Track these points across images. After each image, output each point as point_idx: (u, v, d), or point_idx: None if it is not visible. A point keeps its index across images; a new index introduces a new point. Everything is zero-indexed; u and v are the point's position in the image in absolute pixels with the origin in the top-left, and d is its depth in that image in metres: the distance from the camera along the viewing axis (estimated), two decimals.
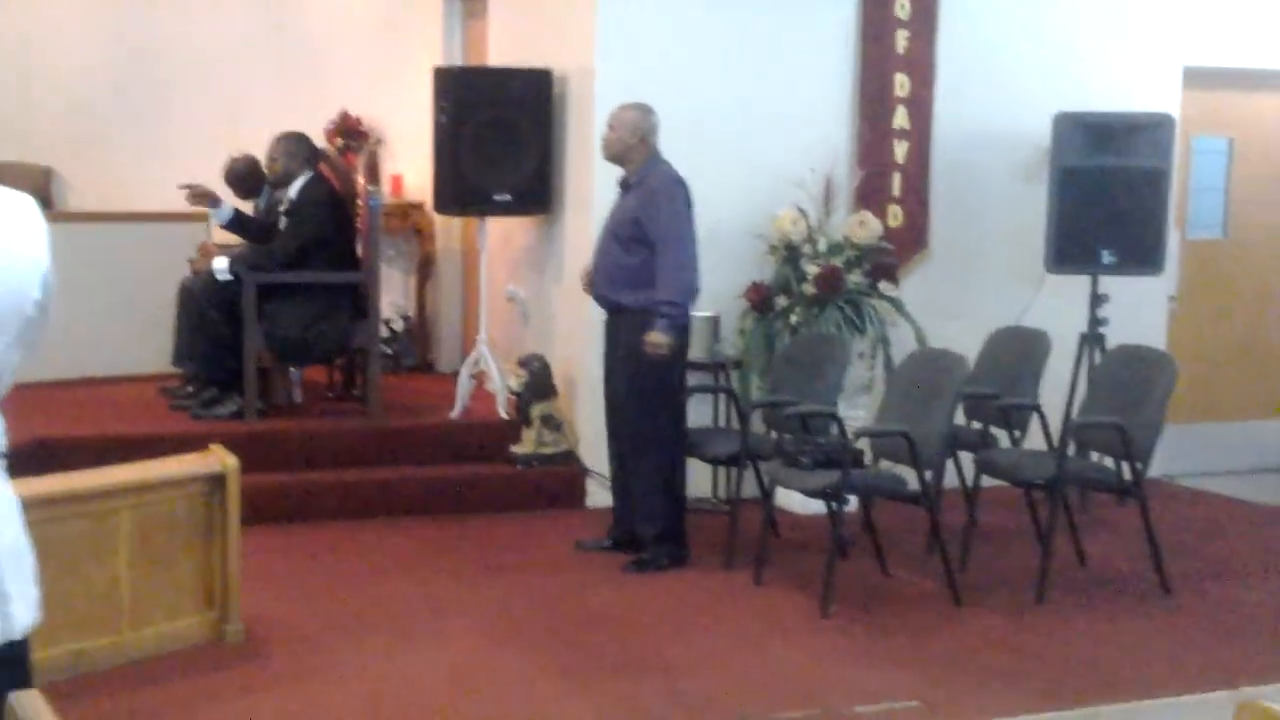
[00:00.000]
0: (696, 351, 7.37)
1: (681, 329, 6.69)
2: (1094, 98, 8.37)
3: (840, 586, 6.27)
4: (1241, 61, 8.99)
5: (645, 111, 6.76)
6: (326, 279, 7.98)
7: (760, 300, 7.82)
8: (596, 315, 7.07)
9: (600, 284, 6.82)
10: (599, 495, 7.64)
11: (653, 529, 6.77)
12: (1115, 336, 7.77)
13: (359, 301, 8.05)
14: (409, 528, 7.40)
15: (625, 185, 6.80)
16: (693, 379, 7.25)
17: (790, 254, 7.89)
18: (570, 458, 7.94)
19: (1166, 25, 8.75)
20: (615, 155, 6.80)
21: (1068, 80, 8.48)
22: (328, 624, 5.91)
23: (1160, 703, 5.20)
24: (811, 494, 6.44)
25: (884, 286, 7.96)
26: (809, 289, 7.76)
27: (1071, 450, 6.83)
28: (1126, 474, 6.62)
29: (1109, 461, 7.01)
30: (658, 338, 6.53)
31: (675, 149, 6.86)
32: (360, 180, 8.53)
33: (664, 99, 7.03)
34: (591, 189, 7.62)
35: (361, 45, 10.12)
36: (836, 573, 6.24)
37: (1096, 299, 8.10)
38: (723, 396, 7.78)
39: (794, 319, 7.80)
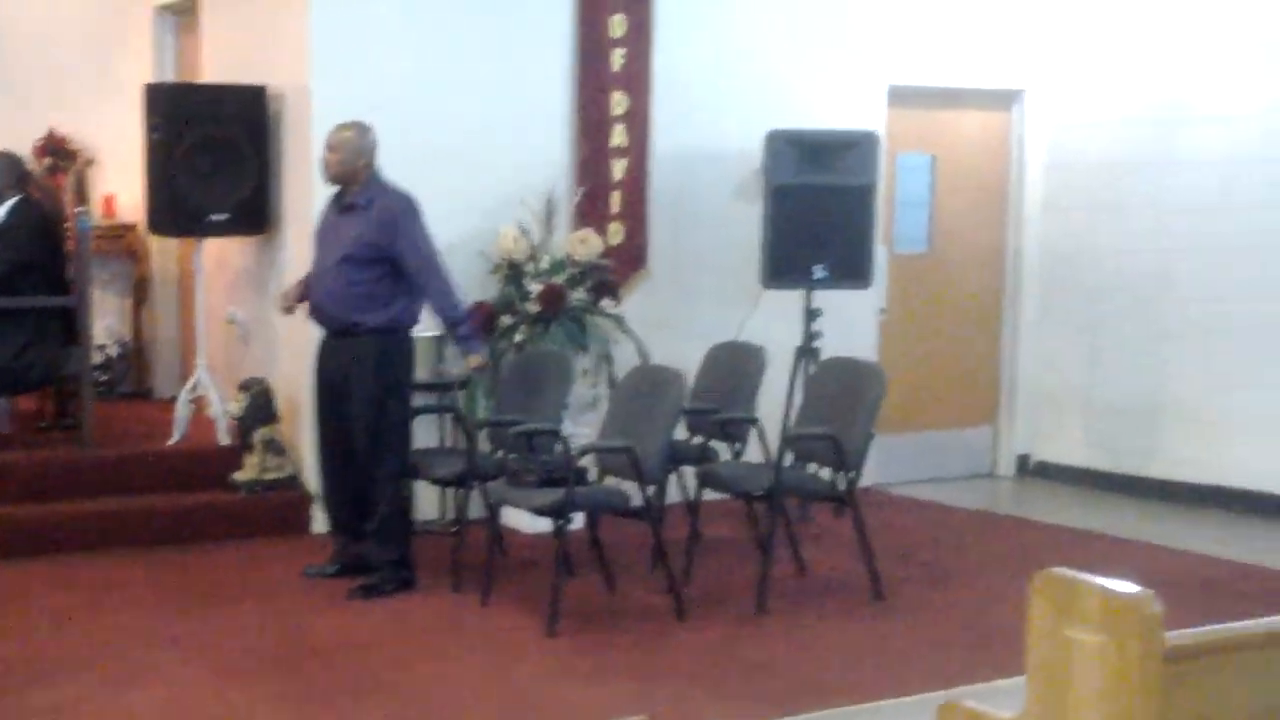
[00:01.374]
0: (421, 372, 7.35)
1: (408, 350, 6.72)
2: (804, 116, 8.61)
3: (567, 604, 6.32)
4: (943, 81, 9.36)
5: (363, 131, 6.72)
6: (35, 304, 7.72)
7: (485, 319, 7.84)
8: (318, 338, 6.99)
9: (328, 306, 6.74)
10: (324, 520, 7.55)
11: (390, 553, 6.73)
12: (829, 349, 8.01)
13: (70, 327, 7.81)
14: (128, 560, 7.20)
15: (346, 205, 6.74)
16: (418, 399, 7.22)
17: (513, 272, 7.93)
18: (294, 482, 7.83)
19: (872, 46, 9.06)
20: (337, 176, 6.75)
21: (779, 99, 8.71)
22: (44, 662, 5.72)
23: (870, 706, 5.39)
24: (537, 512, 6.47)
25: (606, 304, 8.06)
26: (532, 307, 7.81)
27: (789, 461, 7.01)
28: (842, 483, 6.82)
29: (827, 472, 7.22)
30: (476, 359, 6.77)
31: (395, 167, 6.84)
32: (68, 201, 8.27)
33: (382, 116, 7.00)
34: (311, 208, 7.53)
35: (70, 61, 9.82)
36: (564, 591, 6.29)
37: (810, 313, 8.34)
38: (448, 416, 7.77)
39: (518, 337, 7.84)
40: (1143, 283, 9.10)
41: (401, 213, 6.63)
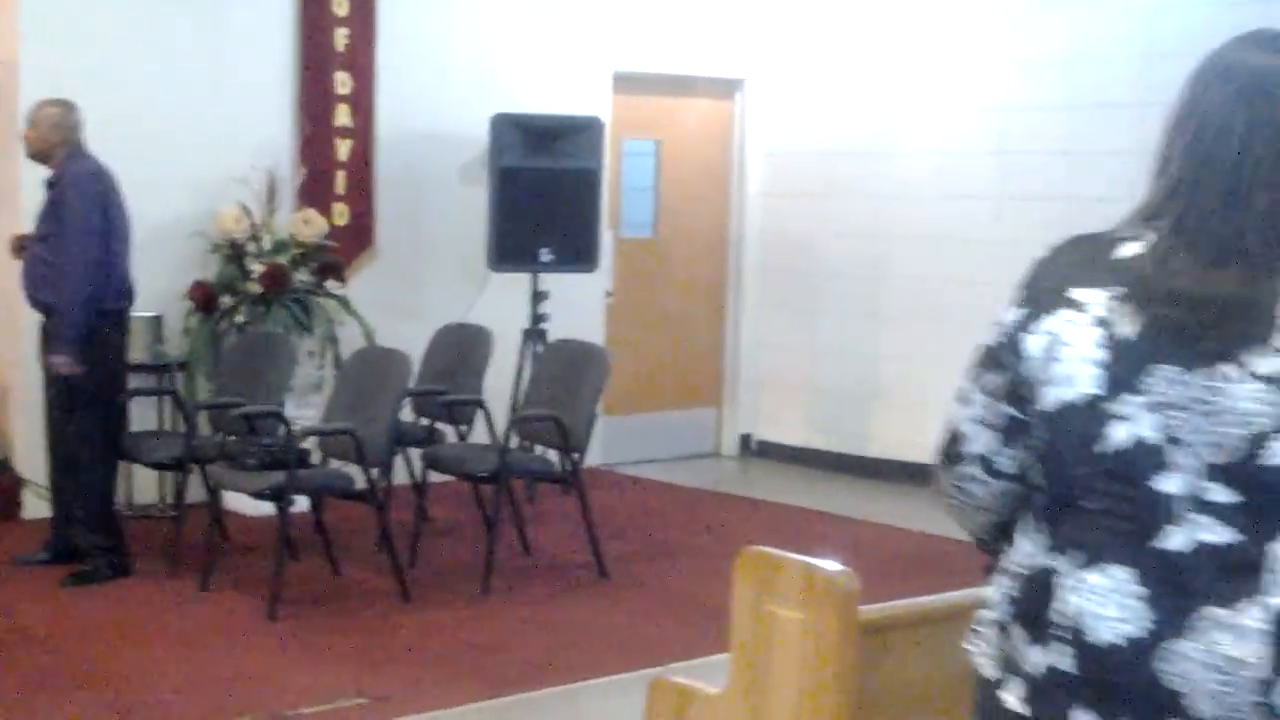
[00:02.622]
0: (138, 353, 7.18)
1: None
2: (529, 100, 8.66)
3: (290, 588, 6.26)
4: (668, 68, 9.50)
5: (67, 108, 6.54)
6: None
7: (204, 299, 7.69)
8: (31, 318, 6.78)
9: (26, 286, 6.56)
10: (36, 506, 7.32)
11: (94, 540, 6.56)
12: (557, 332, 8.08)
13: None
14: None
15: (47, 183, 6.55)
16: (135, 381, 7.06)
17: (234, 252, 7.79)
18: (4, 468, 7.57)
19: (597, 31, 9.15)
20: (37, 153, 6.57)
21: (504, 82, 8.74)
22: None
23: (590, 684, 5.48)
24: (257, 496, 6.39)
25: (331, 285, 7.98)
26: (254, 287, 7.69)
27: (516, 443, 7.06)
28: (568, 464, 6.89)
29: (555, 453, 7.29)
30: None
31: (109, 146, 6.65)
32: None
33: (96, 94, 6.82)
34: (18, 187, 7.28)
35: None
36: (286, 574, 6.23)
37: (537, 296, 8.40)
38: (167, 399, 7.60)
39: (240, 318, 7.71)
40: (859, 269, 9.39)
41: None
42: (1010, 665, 2.09)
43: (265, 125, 8.13)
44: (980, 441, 2.14)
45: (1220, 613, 1.94)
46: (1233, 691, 1.93)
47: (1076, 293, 2.03)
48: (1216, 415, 1.94)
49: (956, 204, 8.88)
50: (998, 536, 2.19)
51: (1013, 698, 2.07)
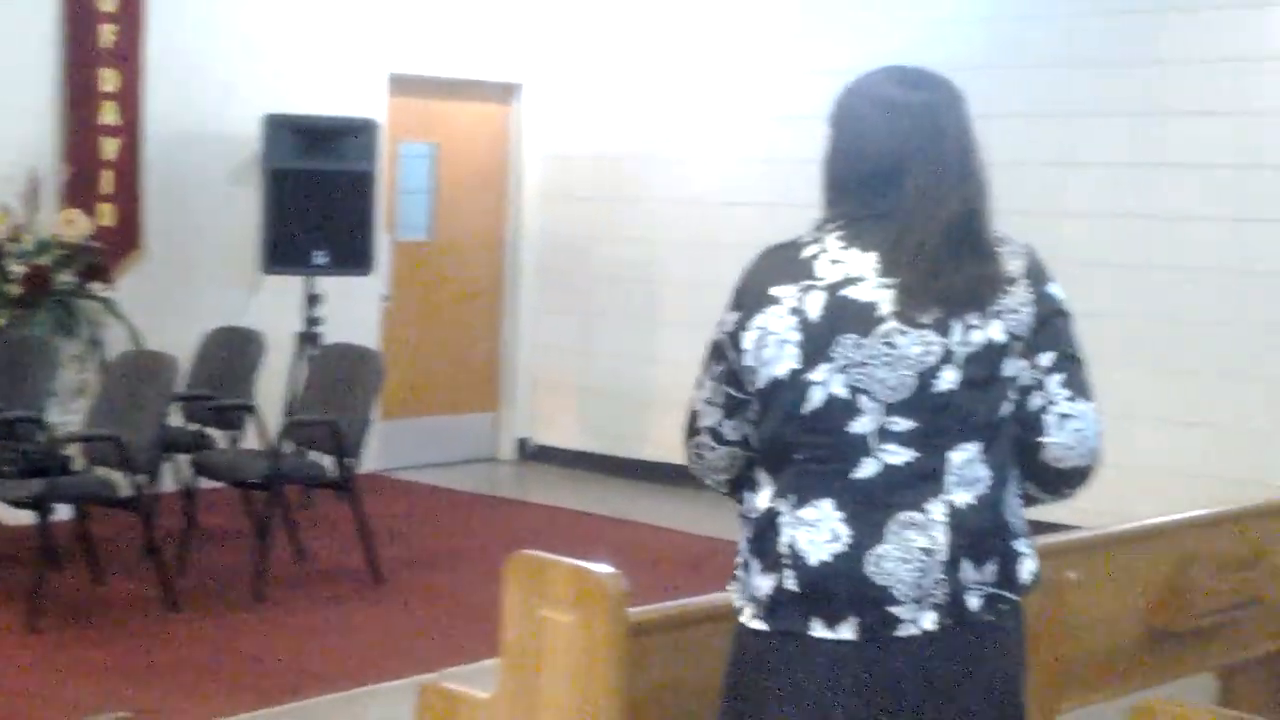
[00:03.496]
0: None
1: None
2: (303, 101, 8.54)
3: (53, 599, 6.08)
4: (445, 71, 9.46)
5: None
6: None
7: None
8: None
9: None
10: None
11: None
12: (333, 336, 7.98)
13: None
14: None
15: None
16: None
17: None
18: None
19: (372, 33, 9.07)
20: None
21: (277, 83, 8.61)
22: None
23: (361, 692, 5.43)
24: (17, 504, 6.19)
25: (96, 287, 7.76)
26: (15, 290, 7.44)
27: (289, 448, 6.95)
28: (342, 469, 6.81)
29: (329, 458, 7.19)
30: None
31: None
32: None
33: None
34: None
35: None
36: (48, 584, 6.05)
37: (311, 299, 8.29)
38: None
39: (0, 322, 7.46)
40: (635, 273, 9.46)
41: None
42: (747, 593, 2.60)
43: (27, 122, 7.87)
44: (710, 417, 2.67)
45: (909, 515, 2.49)
46: (925, 575, 2.48)
47: (775, 290, 2.55)
48: (893, 364, 2.48)
49: (731, 210, 9.00)
50: (731, 491, 2.71)
51: (751, 619, 2.58)
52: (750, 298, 2.59)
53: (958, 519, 2.50)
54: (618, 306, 9.56)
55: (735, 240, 8.95)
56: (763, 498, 2.59)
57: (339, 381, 6.84)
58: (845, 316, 2.50)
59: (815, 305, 2.51)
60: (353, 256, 8.28)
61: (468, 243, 9.88)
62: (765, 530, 2.57)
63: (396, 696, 5.18)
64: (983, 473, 2.52)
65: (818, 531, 2.51)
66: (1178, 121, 7.48)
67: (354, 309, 8.75)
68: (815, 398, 2.51)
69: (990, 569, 2.52)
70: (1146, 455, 7.31)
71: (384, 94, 9.11)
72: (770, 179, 8.84)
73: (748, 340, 2.56)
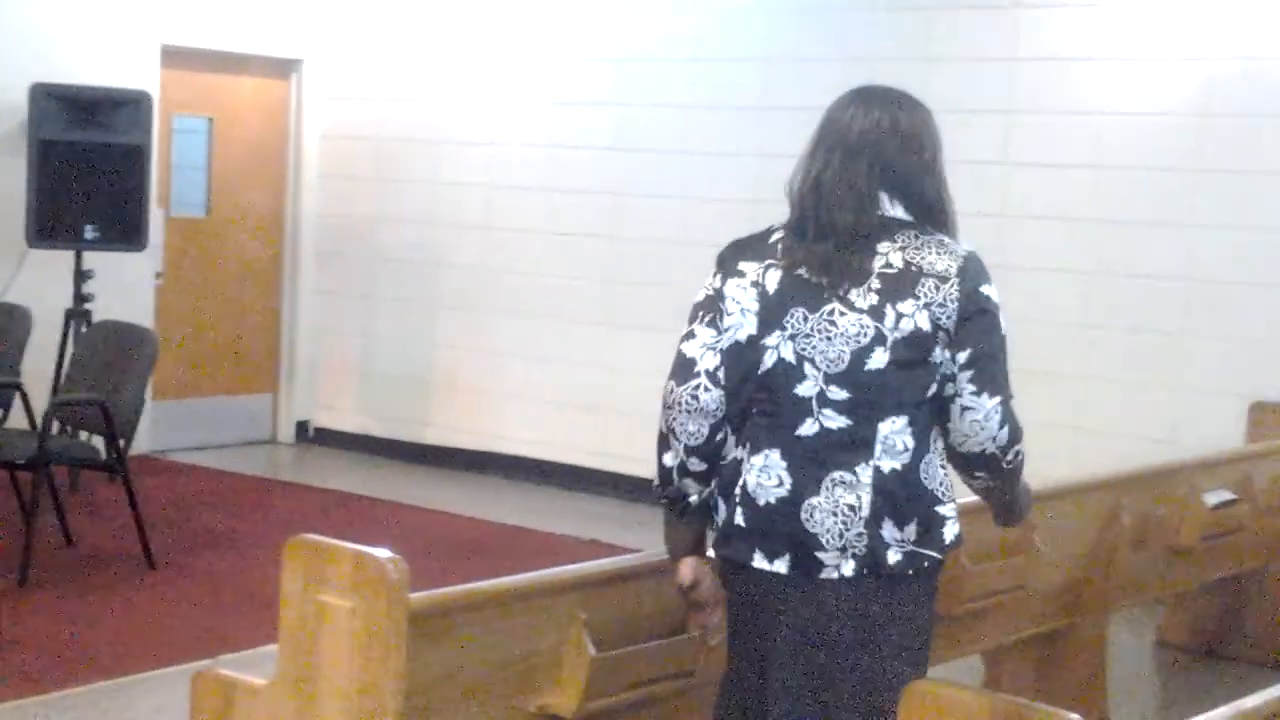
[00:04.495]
0: None
1: None
2: (72, 71, 8.26)
3: None
4: (221, 44, 9.24)
5: None
6: None
7: None
8: None
9: None
10: None
11: None
12: (105, 313, 7.73)
13: None
14: None
15: None
16: None
17: None
18: None
19: (144, 3, 8.81)
20: None
21: (46, 52, 8.31)
22: None
23: (133, 679, 5.29)
24: None
25: None
26: None
27: (57, 428, 6.74)
28: (113, 450, 6.63)
29: (100, 439, 6.99)
30: None
31: None
32: None
33: None
34: None
35: None
36: None
37: (81, 275, 8.04)
38: None
39: None
40: (418, 255, 9.37)
41: None
42: (714, 526, 3.04)
43: None
44: (707, 361, 3.00)
45: (841, 475, 2.91)
46: (849, 529, 2.91)
47: (742, 265, 3.03)
48: (833, 339, 2.92)
49: (511, 194, 8.97)
50: (707, 444, 3.00)
51: (714, 546, 3.06)
52: (726, 267, 3.05)
53: (882, 483, 2.91)
54: (398, 288, 9.46)
55: (515, 224, 8.97)
56: (731, 446, 3.01)
57: (110, 360, 6.65)
58: (797, 292, 2.96)
59: (773, 280, 2.98)
60: (124, 232, 8.04)
61: (245, 221, 9.68)
62: (730, 475, 3.01)
63: (170, 684, 5.06)
64: (908, 444, 2.93)
65: (766, 476, 2.95)
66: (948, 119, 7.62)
67: (126, 286, 8.50)
68: (768, 360, 2.96)
69: (912, 529, 2.93)
70: None
71: (156, 66, 8.86)
72: (549, 163, 8.84)
73: (727, 304, 3.01)
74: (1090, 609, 4.92)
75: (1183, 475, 5.42)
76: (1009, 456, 2.98)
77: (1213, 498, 5.43)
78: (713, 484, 3.04)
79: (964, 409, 2.93)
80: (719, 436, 3.00)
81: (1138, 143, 7.00)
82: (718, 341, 2.98)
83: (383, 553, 2.90)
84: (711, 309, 3.01)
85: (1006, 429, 2.95)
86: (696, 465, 3.02)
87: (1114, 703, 4.96)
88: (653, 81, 8.48)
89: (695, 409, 2.98)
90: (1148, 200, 6.96)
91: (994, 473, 3.01)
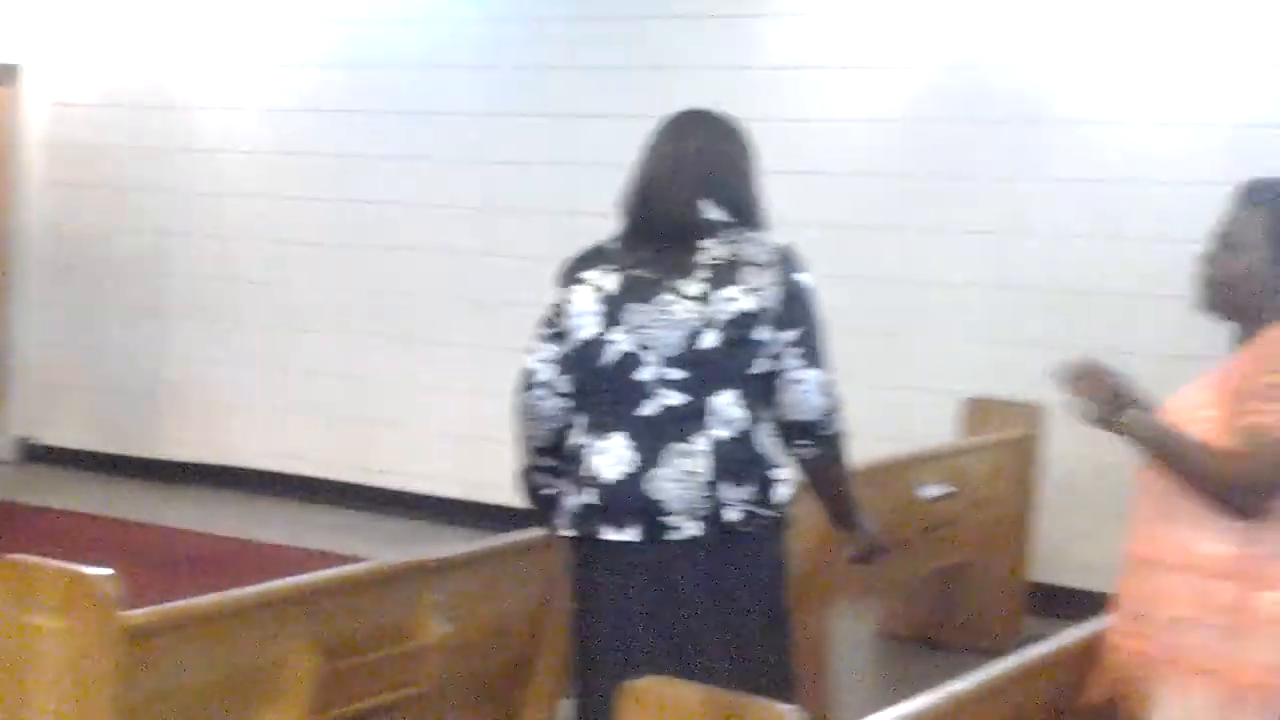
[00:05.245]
0: None
1: None
2: None
3: None
4: None
5: None
6: None
7: None
8: None
9: None
10: None
11: None
12: None
13: None
14: None
15: None
16: None
17: None
18: None
19: None
20: None
21: None
22: None
23: None
24: None
25: None
26: None
27: None
28: None
29: None
30: None
31: None
32: None
33: None
34: None
35: None
36: None
37: None
38: None
39: None
40: (146, 264, 9.13)
41: None
42: (564, 512, 3.35)
43: None
44: (544, 373, 3.38)
45: (681, 446, 3.25)
46: (691, 493, 3.24)
47: (583, 274, 3.38)
48: (668, 326, 3.28)
49: (239, 202, 8.81)
50: (554, 443, 3.39)
51: (564, 527, 3.35)
52: (566, 279, 3.40)
53: (718, 449, 3.25)
54: (125, 300, 9.20)
55: (247, 232, 8.80)
56: (577, 435, 3.34)
57: None
58: (633, 289, 3.32)
59: (612, 283, 3.34)
60: None
61: None
62: (578, 460, 3.32)
63: None
64: (739, 414, 3.27)
65: (611, 457, 3.27)
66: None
67: None
68: (610, 354, 3.31)
69: (748, 489, 3.27)
70: None
71: None
72: (279, 171, 8.70)
73: (568, 310, 3.36)
74: (811, 602, 5.05)
75: (900, 470, 5.60)
76: (830, 423, 3.36)
77: (929, 491, 5.62)
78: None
79: (791, 381, 3.31)
80: (563, 437, 3.38)
81: (855, 149, 7.23)
82: (557, 354, 3.36)
83: (94, 570, 2.84)
84: (551, 324, 3.39)
85: (828, 398, 3.34)
86: (546, 462, 3.43)
87: (835, 694, 5.09)
88: (381, 87, 8.45)
89: (537, 415, 3.38)
90: (866, 204, 7.18)
91: (817, 440, 3.37)
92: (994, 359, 6.93)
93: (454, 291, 8.27)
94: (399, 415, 8.45)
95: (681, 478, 3.24)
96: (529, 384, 3.39)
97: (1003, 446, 6.20)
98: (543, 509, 3.49)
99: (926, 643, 6.13)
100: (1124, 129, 6.79)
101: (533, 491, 3.51)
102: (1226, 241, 3.18)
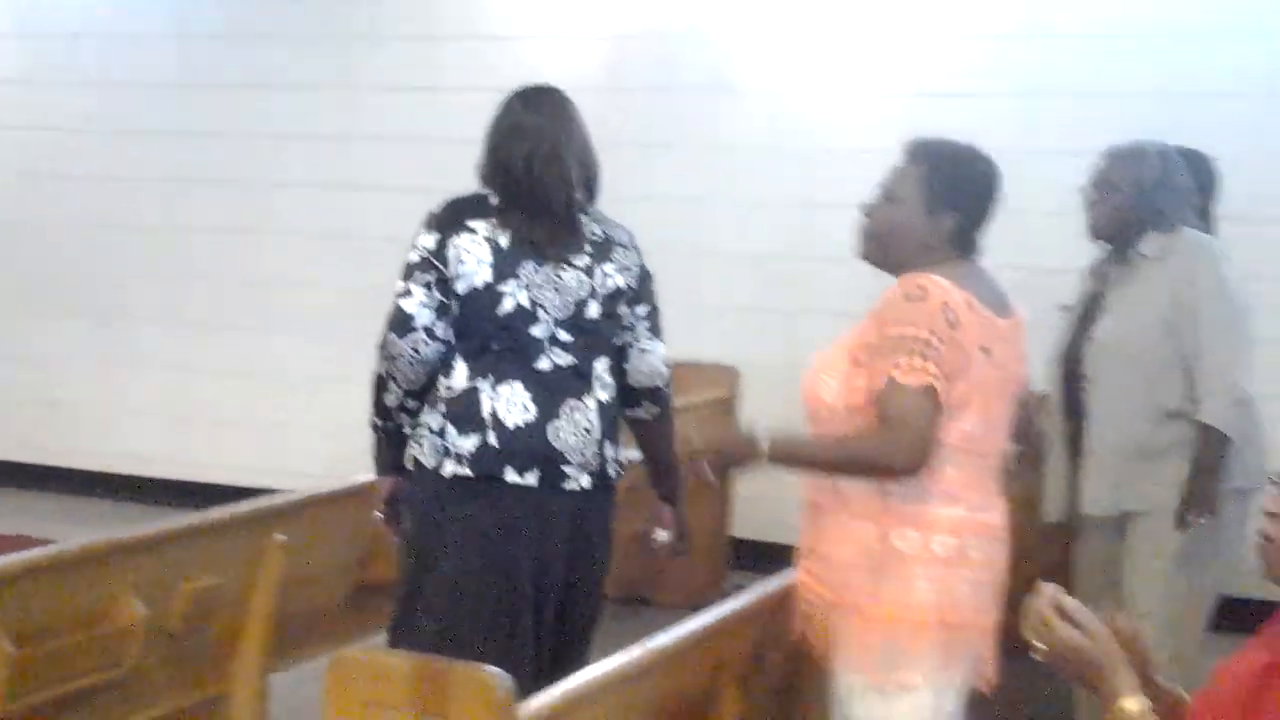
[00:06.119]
0: None
1: None
2: None
3: None
4: None
5: None
6: None
7: None
8: None
9: None
10: None
11: None
12: None
13: None
14: None
15: None
16: None
17: None
18: None
19: None
20: None
21: None
22: None
23: None
24: None
25: None
26: None
27: None
28: None
29: None
30: None
31: None
32: None
33: None
34: None
35: None
36: None
37: None
38: None
39: None
40: None
41: None
42: (446, 452, 3.47)
43: None
44: (424, 318, 3.47)
45: (575, 403, 3.52)
46: (586, 447, 3.52)
47: (471, 223, 3.51)
48: (559, 291, 3.51)
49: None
50: (424, 387, 3.51)
51: (453, 468, 3.46)
52: (447, 225, 3.51)
53: (601, 411, 3.55)
54: None
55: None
56: (459, 379, 3.49)
57: None
58: (527, 250, 3.50)
59: (504, 238, 3.50)
60: None
61: None
62: (466, 402, 3.48)
63: None
64: (610, 380, 3.60)
65: (512, 403, 3.46)
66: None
67: None
68: (507, 304, 3.47)
69: (617, 450, 3.61)
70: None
71: None
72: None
73: (449, 255, 3.46)
74: None
75: None
76: (670, 387, 3.73)
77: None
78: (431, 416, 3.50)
79: (643, 350, 3.66)
80: (431, 379, 3.50)
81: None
82: (436, 299, 3.45)
83: None
84: (428, 268, 3.47)
85: (668, 367, 3.71)
86: (412, 404, 3.53)
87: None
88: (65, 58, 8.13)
89: (416, 360, 3.46)
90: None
91: (659, 402, 3.72)
92: (692, 324, 7.04)
93: (142, 267, 8.04)
94: (90, 395, 8.16)
95: (579, 433, 3.50)
96: (409, 328, 3.46)
97: (702, 408, 6.34)
98: (394, 450, 3.60)
99: (636, 602, 6.23)
100: (812, 99, 6.98)
101: (392, 433, 3.59)
102: (885, 194, 3.32)
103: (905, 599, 3.12)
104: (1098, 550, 4.46)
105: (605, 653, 3.15)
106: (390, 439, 3.62)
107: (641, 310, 3.67)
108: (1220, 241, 4.52)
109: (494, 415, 3.46)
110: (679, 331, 7.02)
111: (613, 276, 3.59)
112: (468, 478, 3.46)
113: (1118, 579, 4.37)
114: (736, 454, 3.24)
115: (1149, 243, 4.33)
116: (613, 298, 3.59)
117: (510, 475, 3.45)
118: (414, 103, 7.49)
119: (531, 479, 3.46)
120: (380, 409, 3.59)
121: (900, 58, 6.84)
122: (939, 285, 3.13)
